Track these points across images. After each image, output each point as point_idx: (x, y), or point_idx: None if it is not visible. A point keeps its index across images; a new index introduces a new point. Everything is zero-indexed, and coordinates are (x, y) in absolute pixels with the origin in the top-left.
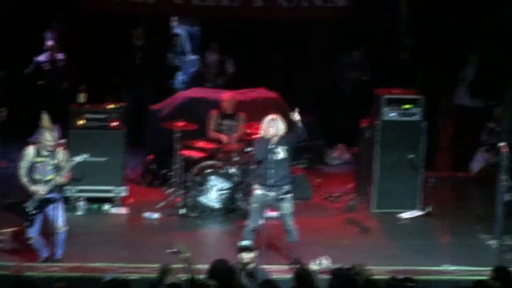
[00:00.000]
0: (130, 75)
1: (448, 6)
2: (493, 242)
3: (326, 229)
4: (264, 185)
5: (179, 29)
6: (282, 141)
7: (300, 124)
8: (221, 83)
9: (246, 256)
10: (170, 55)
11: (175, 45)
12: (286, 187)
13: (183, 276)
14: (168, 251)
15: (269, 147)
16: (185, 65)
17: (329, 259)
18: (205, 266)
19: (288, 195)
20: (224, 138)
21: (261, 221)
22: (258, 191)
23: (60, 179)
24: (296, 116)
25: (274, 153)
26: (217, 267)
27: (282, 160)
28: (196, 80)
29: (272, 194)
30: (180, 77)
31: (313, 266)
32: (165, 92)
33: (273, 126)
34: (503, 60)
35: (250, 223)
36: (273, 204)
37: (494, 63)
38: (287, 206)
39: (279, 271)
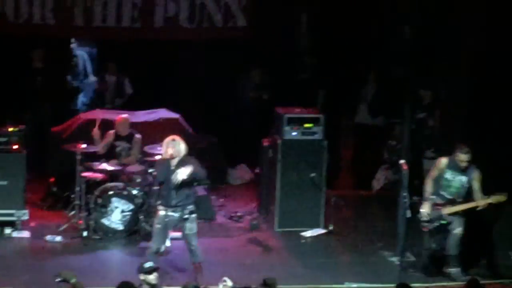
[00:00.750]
0: (30, 98)
1: (346, 25)
2: (395, 259)
3: (229, 249)
4: (167, 205)
5: (79, 51)
6: (184, 163)
7: (199, 174)
8: (120, 104)
9: (150, 278)
10: (70, 77)
11: (75, 66)
12: (190, 207)
13: None
14: (56, 280)
15: (171, 168)
16: (85, 87)
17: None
18: None
19: (192, 215)
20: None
21: (165, 243)
22: (161, 212)
23: None
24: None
25: (177, 174)
26: None
27: (186, 185)
28: (95, 101)
29: (176, 214)
30: (81, 99)
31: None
32: (66, 114)
33: (172, 147)
34: (402, 78)
35: (153, 245)
36: (177, 225)
37: (393, 81)
38: (191, 226)
39: None
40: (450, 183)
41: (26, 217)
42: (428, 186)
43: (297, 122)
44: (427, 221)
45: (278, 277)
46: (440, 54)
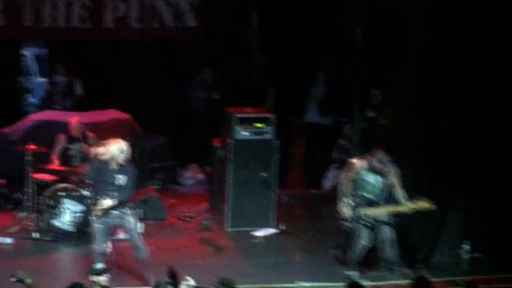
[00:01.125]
0: None
1: (296, 25)
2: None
3: (180, 249)
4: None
5: (27, 51)
6: (122, 168)
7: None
8: (70, 105)
9: (100, 279)
10: (20, 78)
11: (24, 67)
12: (128, 204)
13: None
14: (12, 280)
15: (111, 168)
16: (35, 88)
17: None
18: None
19: (130, 211)
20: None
21: (108, 242)
22: (99, 212)
23: None
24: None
25: (115, 177)
26: None
27: (123, 184)
28: (46, 102)
29: (114, 212)
30: (30, 99)
31: (183, 286)
32: (15, 115)
33: (111, 150)
34: (351, 77)
35: (96, 246)
36: (117, 222)
37: (343, 80)
38: (131, 220)
39: None
40: (367, 184)
41: None
42: (345, 186)
43: (248, 122)
44: (345, 220)
45: (229, 277)
46: (390, 53)
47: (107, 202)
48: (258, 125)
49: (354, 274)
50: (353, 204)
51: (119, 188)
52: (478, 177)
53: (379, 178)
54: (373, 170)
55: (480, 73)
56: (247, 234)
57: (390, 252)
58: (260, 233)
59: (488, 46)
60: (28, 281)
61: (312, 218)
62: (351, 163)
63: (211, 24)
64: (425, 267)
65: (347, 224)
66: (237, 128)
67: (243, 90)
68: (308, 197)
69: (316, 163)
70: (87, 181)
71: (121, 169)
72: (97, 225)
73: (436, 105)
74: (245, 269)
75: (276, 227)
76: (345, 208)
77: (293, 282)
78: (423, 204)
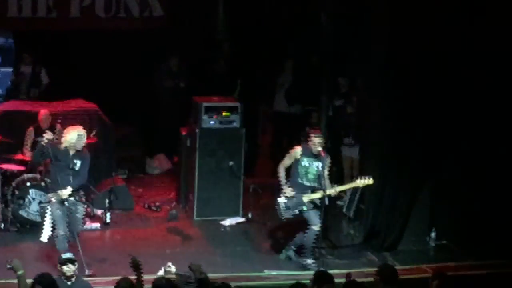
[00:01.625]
0: None
1: (263, 12)
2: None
3: (148, 238)
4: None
5: None
6: (79, 155)
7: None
8: (35, 95)
9: (64, 269)
10: None
11: None
12: (80, 191)
13: None
14: (7, 266)
15: (70, 155)
16: (0, 78)
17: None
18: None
19: (83, 198)
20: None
21: (66, 227)
22: (57, 197)
23: None
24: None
25: (71, 162)
26: (41, 281)
27: (78, 170)
28: (11, 93)
29: (72, 198)
30: None
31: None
32: None
33: (70, 136)
34: (319, 65)
35: (59, 231)
36: (70, 208)
37: (310, 69)
38: (81, 209)
39: (103, 283)
40: (307, 170)
41: None
42: (282, 174)
43: (215, 111)
44: (285, 210)
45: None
46: (354, 41)
47: (67, 191)
48: (225, 113)
49: (311, 262)
50: (293, 192)
51: (76, 173)
52: (443, 164)
53: (317, 163)
54: (311, 155)
55: (444, 57)
56: (214, 223)
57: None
58: (228, 222)
59: (451, 26)
60: (20, 272)
61: None
62: (291, 150)
63: (177, 12)
64: (392, 254)
65: (286, 214)
66: (204, 117)
67: (210, 79)
68: (276, 185)
69: (283, 151)
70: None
71: (79, 155)
72: (57, 211)
73: (401, 94)
74: (214, 258)
75: (244, 216)
76: (285, 196)
77: (261, 271)
78: (364, 181)
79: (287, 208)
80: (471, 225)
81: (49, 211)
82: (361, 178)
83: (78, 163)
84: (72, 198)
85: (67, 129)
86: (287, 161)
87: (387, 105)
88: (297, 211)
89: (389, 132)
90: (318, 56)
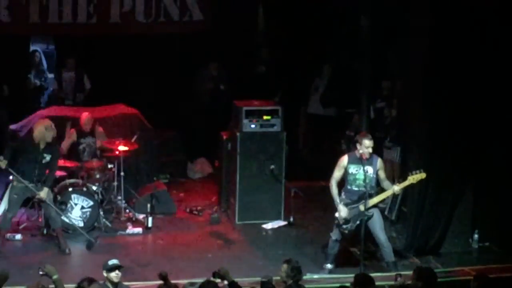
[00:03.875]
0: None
1: (302, 16)
2: (355, 249)
3: (190, 243)
4: (28, 179)
5: (35, 47)
6: (49, 148)
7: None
8: (80, 100)
9: (111, 276)
10: (30, 75)
11: (34, 64)
12: (45, 179)
13: None
14: (40, 273)
15: (39, 149)
16: (43, 84)
17: None
18: (69, 286)
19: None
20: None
21: (19, 210)
22: (19, 184)
23: None
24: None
25: (42, 156)
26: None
27: (48, 162)
28: (55, 98)
29: (31, 185)
30: (39, 95)
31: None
32: (24, 111)
33: (38, 130)
34: (358, 69)
35: (9, 213)
36: (34, 195)
37: (348, 72)
38: (48, 193)
39: (144, 287)
40: (355, 176)
41: None
42: (334, 191)
43: (256, 114)
44: (346, 223)
45: (239, 269)
46: (395, 45)
47: (44, 192)
48: (266, 117)
49: (328, 266)
50: (345, 214)
51: (45, 166)
52: (486, 166)
53: (366, 167)
54: (358, 161)
55: (486, 61)
56: (256, 226)
57: (382, 235)
58: (269, 225)
59: (494, 33)
60: (55, 277)
61: (321, 210)
62: (338, 161)
63: (217, 17)
64: (435, 257)
65: (348, 226)
66: (245, 121)
67: (251, 83)
68: (317, 188)
69: (324, 154)
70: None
71: (48, 148)
72: (15, 195)
73: (443, 96)
74: (255, 262)
75: (285, 219)
76: (342, 211)
77: (303, 274)
78: (417, 176)
79: (347, 221)
80: None
81: (8, 192)
82: (412, 174)
83: (47, 156)
84: (33, 185)
85: (35, 124)
86: (336, 174)
87: (428, 107)
88: (358, 222)
89: (431, 134)
90: (357, 58)
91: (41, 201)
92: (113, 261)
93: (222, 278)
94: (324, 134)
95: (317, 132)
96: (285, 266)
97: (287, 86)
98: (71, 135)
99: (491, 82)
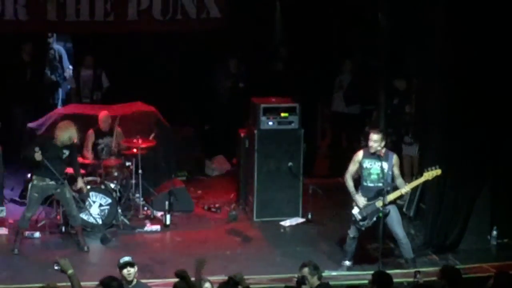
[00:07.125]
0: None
1: (320, 14)
2: (374, 246)
3: (208, 240)
4: (47, 177)
5: (56, 45)
6: (67, 146)
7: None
8: (98, 98)
9: (128, 272)
10: (48, 72)
11: (53, 60)
12: (63, 176)
13: None
14: (55, 268)
15: (58, 147)
16: (62, 82)
17: None
18: (88, 284)
19: (65, 181)
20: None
21: (38, 209)
22: (40, 182)
23: None
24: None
25: (62, 152)
26: (108, 284)
27: (67, 157)
28: (73, 96)
29: (52, 183)
30: (58, 93)
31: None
32: (42, 109)
33: (64, 131)
34: (376, 67)
35: (28, 212)
36: (53, 193)
37: (369, 70)
38: (68, 190)
39: (163, 284)
40: (370, 171)
41: (3, 214)
42: (350, 183)
43: (273, 112)
44: (362, 220)
45: (257, 266)
46: (411, 41)
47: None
48: (284, 114)
49: (346, 263)
50: (364, 201)
51: (65, 162)
52: (504, 162)
53: (380, 163)
54: (373, 156)
55: (504, 59)
56: (274, 224)
57: (401, 231)
58: (288, 222)
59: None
60: (70, 272)
61: (339, 207)
62: (354, 156)
63: (235, 15)
64: (453, 254)
65: (364, 223)
66: (263, 118)
67: (268, 80)
68: (335, 185)
69: (343, 151)
70: (26, 155)
71: (67, 145)
72: (35, 194)
73: (461, 92)
74: (274, 259)
75: (304, 216)
76: (356, 208)
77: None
78: (433, 173)
79: (364, 218)
80: None
81: (29, 190)
82: (427, 170)
83: (66, 152)
84: (52, 183)
85: (60, 128)
86: (351, 168)
87: (445, 104)
88: (374, 219)
89: (449, 131)
90: (375, 56)
91: (62, 198)
92: (124, 259)
93: (237, 284)
94: (344, 131)
95: (338, 129)
96: (306, 269)
97: (305, 83)
98: (90, 138)
99: (508, 80)
